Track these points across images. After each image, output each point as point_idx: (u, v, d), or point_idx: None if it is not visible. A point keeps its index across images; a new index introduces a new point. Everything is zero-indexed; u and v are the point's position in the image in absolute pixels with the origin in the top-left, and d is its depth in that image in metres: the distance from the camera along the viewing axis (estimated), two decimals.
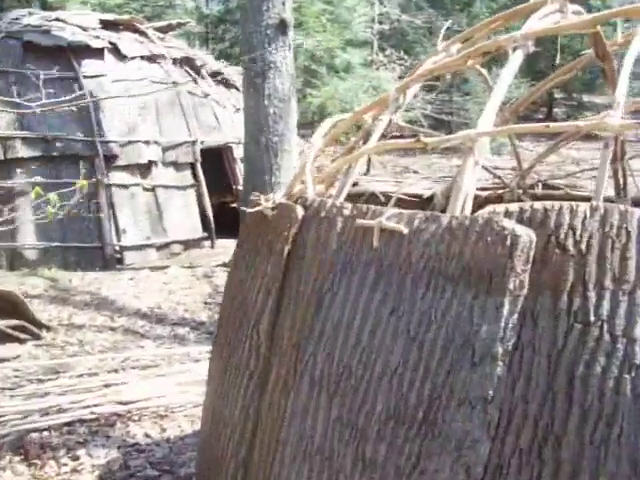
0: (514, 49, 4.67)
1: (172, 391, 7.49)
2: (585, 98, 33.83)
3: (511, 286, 3.56)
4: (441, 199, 7.48)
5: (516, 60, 4.60)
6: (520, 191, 7.61)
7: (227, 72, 20.14)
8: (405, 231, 4.04)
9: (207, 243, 16.75)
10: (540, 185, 7.91)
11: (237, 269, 5.46)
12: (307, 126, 25.75)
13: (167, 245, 15.63)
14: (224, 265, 12.97)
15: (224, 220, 16.17)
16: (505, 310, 3.55)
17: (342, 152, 5.95)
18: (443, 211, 8.04)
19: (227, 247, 13.66)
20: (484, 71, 6.57)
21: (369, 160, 25.18)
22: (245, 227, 5.63)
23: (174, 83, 15.81)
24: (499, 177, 7.63)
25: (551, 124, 3.93)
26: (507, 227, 3.64)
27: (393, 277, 4.05)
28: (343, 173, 4.90)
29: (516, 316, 3.55)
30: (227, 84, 18.54)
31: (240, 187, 15.23)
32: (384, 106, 5.48)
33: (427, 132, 6.36)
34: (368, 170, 26.61)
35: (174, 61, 16.62)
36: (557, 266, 3.53)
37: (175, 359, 8.71)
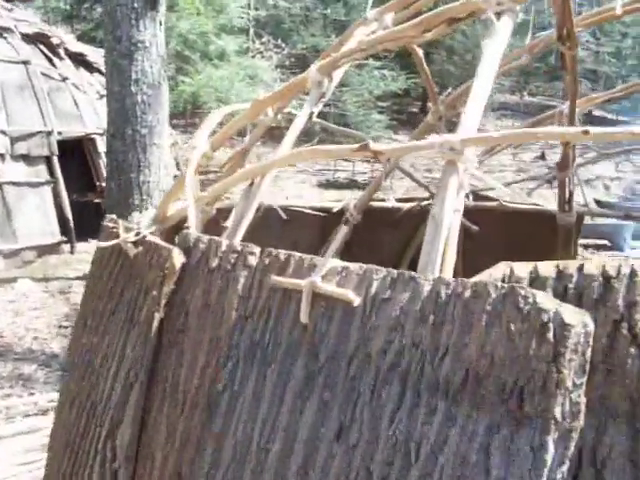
0: (498, 15, 3.13)
1: (13, 463, 5.53)
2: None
3: (558, 413, 2.02)
4: (355, 214, 5.93)
5: (504, 30, 3.07)
6: None
7: (90, 54, 17.81)
8: (357, 301, 2.42)
9: (66, 248, 14.54)
10: (471, 196, 6.48)
11: (83, 328, 3.68)
12: (179, 117, 23.72)
13: (17, 252, 13.32)
14: (85, 278, 10.89)
15: (86, 221, 13.99)
16: (549, 455, 2.03)
17: (233, 157, 4.22)
18: (358, 228, 6.57)
19: (90, 252, 11.55)
20: (419, 51, 5.05)
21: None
22: (96, 265, 3.85)
23: (24, 63, 13.45)
24: (425, 186, 6.15)
25: (591, 129, 2.40)
26: (545, 307, 2.09)
27: (338, 378, 2.43)
28: (243, 193, 3.19)
29: (567, 466, 2.03)
30: (90, 67, 16.32)
31: (105, 184, 13.08)
32: (297, 92, 3.84)
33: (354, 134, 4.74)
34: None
35: (24, 37, 14.21)
36: (634, 374, 2.02)
37: (17, 411, 6.70)
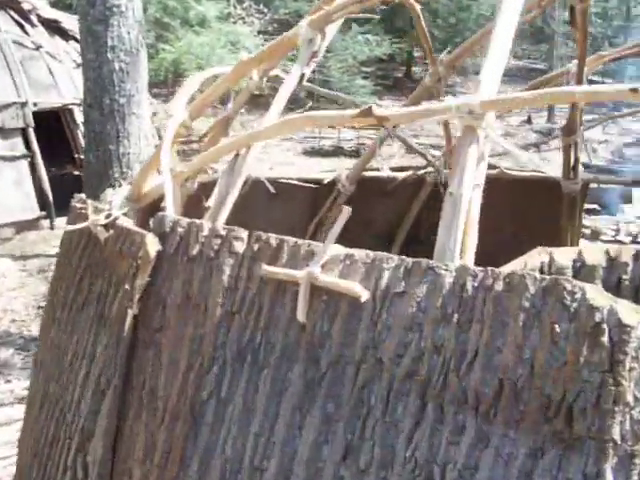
0: None
1: None
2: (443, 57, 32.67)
3: (617, 434, 1.65)
4: (347, 185, 5.54)
5: None
6: (447, 171, 5.73)
7: (65, 20, 17.09)
8: (364, 295, 2.03)
9: (46, 223, 13.97)
10: None
11: (52, 320, 3.28)
12: (160, 85, 23.08)
13: None
14: None
15: (66, 195, 13.30)
16: None
17: (215, 126, 3.81)
18: (350, 199, 6.14)
19: None
20: (417, 6, 4.62)
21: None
22: (64, 249, 3.44)
23: None
24: (423, 154, 5.73)
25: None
26: (597, 304, 1.71)
27: (343, 388, 2.05)
28: (227, 167, 2.79)
29: None
30: (65, 34, 15.75)
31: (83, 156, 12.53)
32: (284, 53, 3.42)
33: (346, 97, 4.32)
34: (227, 132, 24.30)
35: None
36: None
37: None
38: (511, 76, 33.22)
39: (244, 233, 2.44)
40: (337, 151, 21.97)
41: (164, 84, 23.45)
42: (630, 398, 1.69)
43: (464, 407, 1.89)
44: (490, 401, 1.85)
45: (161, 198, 3.14)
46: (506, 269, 1.94)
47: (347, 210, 2.18)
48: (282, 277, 2.27)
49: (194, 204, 3.34)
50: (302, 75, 3.03)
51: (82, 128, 14.45)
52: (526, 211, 5.94)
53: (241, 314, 2.37)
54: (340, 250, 2.21)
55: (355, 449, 2.04)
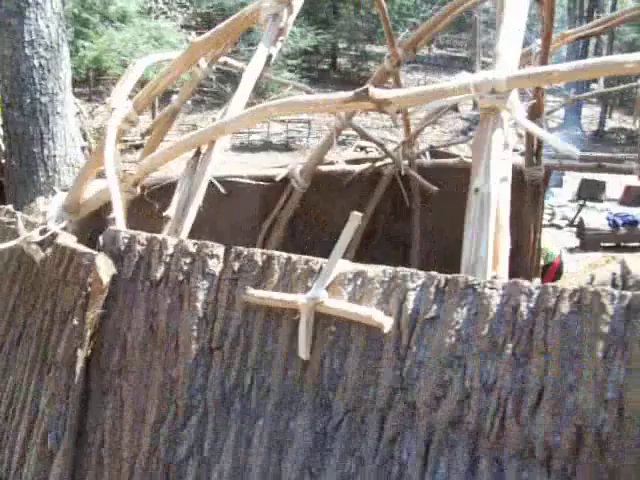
0: None
1: None
2: (367, 48, 32.44)
3: None
4: (301, 181, 5.08)
5: None
6: (406, 162, 5.37)
7: None
8: (388, 324, 1.60)
9: None
10: (428, 153, 5.72)
11: None
12: (82, 84, 22.14)
13: None
14: None
15: None
16: None
17: (159, 121, 3.34)
18: (304, 197, 5.69)
19: None
20: None
21: (154, 118, 22.05)
22: None
23: None
24: (381, 144, 5.32)
25: None
26: None
27: (367, 440, 1.62)
28: (187, 168, 2.32)
29: None
30: None
31: (4, 160, 11.73)
32: (239, 33, 2.98)
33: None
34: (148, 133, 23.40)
35: None
36: None
37: None
38: (434, 65, 33.27)
39: (220, 249, 1.98)
40: (266, 145, 21.58)
41: (86, 83, 22.56)
42: None
43: (530, 462, 1.48)
44: (566, 455, 1.44)
45: (105, 207, 2.66)
46: (571, 285, 1.54)
47: (357, 217, 1.74)
48: (275, 303, 1.82)
49: (137, 210, 2.87)
50: (269, 56, 2.58)
51: (1, 131, 13.61)
52: None
53: (223, 350, 1.92)
54: (348, 267, 1.77)
55: None
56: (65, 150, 10.64)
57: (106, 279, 2.06)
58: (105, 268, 2.06)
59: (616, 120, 24.78)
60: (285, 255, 1.87)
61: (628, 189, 14.21)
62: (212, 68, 3.25)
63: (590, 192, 14.83)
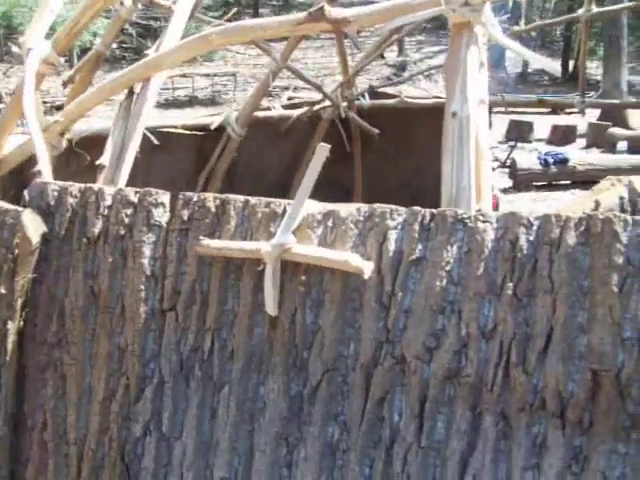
0: None
1: None
2: None
3: None
4: (238, 128, 4.79)
5: None
6: (345, 104, 5.14)
7: None
8: (367, 269, 1.39)
9: None
10: (367, 95, 5.49)
11: None
12: None
13: None
14: None
15: None
16: None
17: (83, 66, 3.05)
18: (241, 144, 5.41)
19: None
20: None
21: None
22: None
23: None
24: (318, 87, 5.07)
25: None
26: None
27: (351, 402, 1.42)
28: (120, 111, 2.06)
29: None
30: None
31: None
32: None
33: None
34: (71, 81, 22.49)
35: None
36: None
37: None
38: None
39: (165, 196, 1.73)
40: (193, 101, 21.07)
41: None
42: None
43: (542, 416, 1.31)
44: (582, 404, 1.27)
45: (28, 162, 2.38)
46: (573, 212, 1.36)
47: (325, 148, 1.52)
48: (234, 254, 1.59)
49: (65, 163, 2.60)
50: None
51: None
52: (431, 141, 5.43)
53: (176, 311, 1.69)
54: (316, 207, 1.55)
55: None
56: None
57: (35, 238, 1.79)
58: (33, 226, 1.79)
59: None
60: (242, 198, 1.64)
61: (555, 128, 14.30)
62: (137, 6, 2.95)
63: (519, 133, 14.88)
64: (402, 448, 1.41)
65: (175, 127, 4.52)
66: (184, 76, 21.65)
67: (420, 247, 1.43)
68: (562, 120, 14.74)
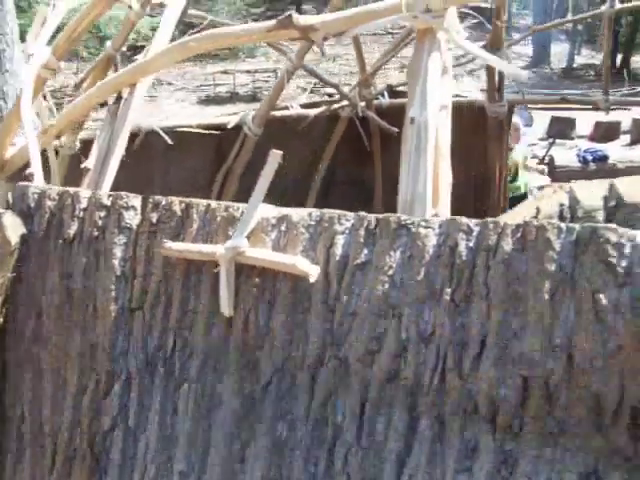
0: None
1: None
2: None
3: None
4: (254, 128, 4.85)
5: None
6: (363, 104, 5.17)
7: None
8: (314, 273, 1.42)
9: None
10: (386, 93, 5.49)
11: None
12: None
13: None
14: None
15: None
16: None
17: (93, 69, 3.15)
18: (260, 144, 5.46)
19: None
20: None
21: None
22: None
23: None
24: (336, 86, 5.11)
25: None
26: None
27: (298, 402, 1.47)
28: (107, 115, 2.12)
29: None
30: None
31: None
32: None
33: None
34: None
35: None
36: None
37: None
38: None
39: (137, 200, 1.79)
40: (234, 97, 21.21)
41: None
42: None
43: (474, 420, 1.33)
44: (512, 409, 1.29)
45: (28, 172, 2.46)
46: (510, 219, 1.37)
47: (277, 155, 1.56)
48: (194, 256, 1.64)
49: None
50: None
51: None
52: (452, 139, 5.41)
53: (143, 310, 1.74)
54: (271, 211, 1.59)
55: None
56: None
57: (15, 239, 1.87)
58: (13, 227, 1.87)
59: (585, 57, 24.55)
60: (205, 202, 1.69)
61: (598, 125, 14.07)
62: (146, 10, 3.02)
63: (560, 129, 14.67)
64: (343, 448, 1.44)
65: (191, 127, 4.60)
66: (225, 72, 21.79)
67: (365, 252, 1.46)
68: (604, 117, 14.48)
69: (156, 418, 1.70)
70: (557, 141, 13.21)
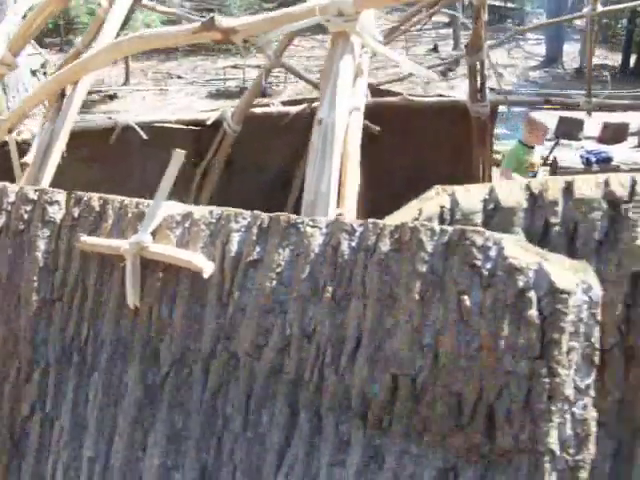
0: None
1: None
2: None
3: (555, 442, 1.14)
4: (233, 124, 4.88)
5: None
6: None
7: None
8: (208, 269, 1.48)
9: None
10: (368, 92, 5.49)
11: None
12: (52, 34, 21.65)
13: None
14: None
15: None
16: None
17: (63, 66, 3.18)
18: (241, 140, 5.49)
19: None
20: None
21: (127, 67, 21.39)
22: None
23: None
24: (316, 85, 5.15)
25: None
26: (521, 264, 1.19)
27: (192, 393, 1.52)
28: (50, 112, 2.18)
29: None
30: None
31: None
32: None
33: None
34: (127, 80, 22.85)
35: None
36: None
37: None
38: None
39: (61, 195, 1.85)
40: (243, 92, 21.23)
41: (57, 32, 22.01)
42: (570, 392, 1.20)
43: (348, 415, 1.37)
44: (381, 405, 1.34)
45: None
46: (392, 221, 1.42)
47: (180, 155, 1.61)
48: (105, 250, 1.70)
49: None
50: None
51: None
52: (434, 139, 5.43)
53: (63, 301, 1.80)
54: (176, 209, 1.64)
55: (212, 475, 1.51)
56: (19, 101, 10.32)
57: None
58: None
59: (598, 57, 24.39)
60: (119, 199, 1.74)
61: (606, 126, 13.98)
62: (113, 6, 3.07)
63: (568, 130, 14.60)
64: (231, 438, 1.49)
65: (170, 122, 4.65)
66: (235, 67, 21.82)
67: (258, 249, 1.50)
68: (613, 118, 14.42)
69: (70, 406, 1.76)
70: (564, 142, 13.16)
